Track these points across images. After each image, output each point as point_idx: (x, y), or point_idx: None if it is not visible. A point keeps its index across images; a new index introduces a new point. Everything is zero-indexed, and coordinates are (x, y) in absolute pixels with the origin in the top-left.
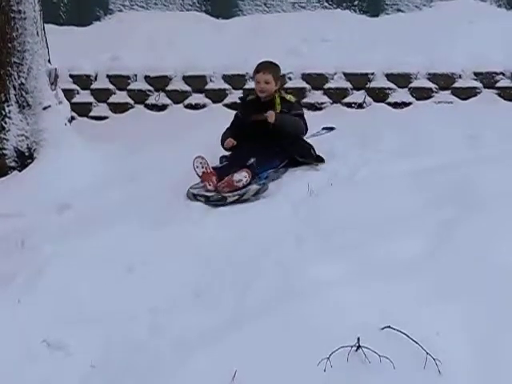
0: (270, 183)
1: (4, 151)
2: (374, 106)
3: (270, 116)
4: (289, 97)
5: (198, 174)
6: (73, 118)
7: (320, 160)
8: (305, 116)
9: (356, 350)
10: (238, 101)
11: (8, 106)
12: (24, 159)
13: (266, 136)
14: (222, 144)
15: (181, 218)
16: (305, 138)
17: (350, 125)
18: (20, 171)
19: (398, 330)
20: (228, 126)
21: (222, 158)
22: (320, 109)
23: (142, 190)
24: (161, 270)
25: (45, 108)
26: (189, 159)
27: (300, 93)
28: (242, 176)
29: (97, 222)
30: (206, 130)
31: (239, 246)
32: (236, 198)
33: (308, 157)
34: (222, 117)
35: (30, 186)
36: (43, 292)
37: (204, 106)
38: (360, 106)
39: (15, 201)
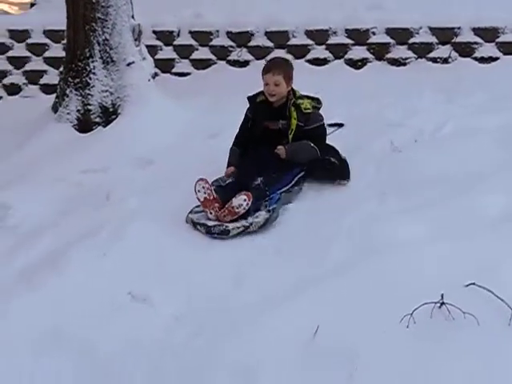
0: (281, 208)
1: (89, 107)
2: (460, 60)
3: (281, 152)
4: (304, 104)
5: (198, 199)
6: (156, 74)
7: (344, 174)
8: (324, 124)
9: (440, 307)
10: (247, 100)
11: (93, 61)
12: (108, 115)
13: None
14: (228, 162)
15: None
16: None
17: (435, 80)
18: (104, 127)
19: (482, 287)
20: (239, 128)
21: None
22: (404, 64)
23: (223, 145)
24: None
25: (129, 64)
26: None
27: (384, 48)
28: (241, 201)
29: (179, 177)
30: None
31: (321, 203)
32: (241, 230)
33: (330, 173)
34: (304, 73)
35: (115, 142)
36: (128, 245)
37: None
38: (445, 61)
39: (100, 156)
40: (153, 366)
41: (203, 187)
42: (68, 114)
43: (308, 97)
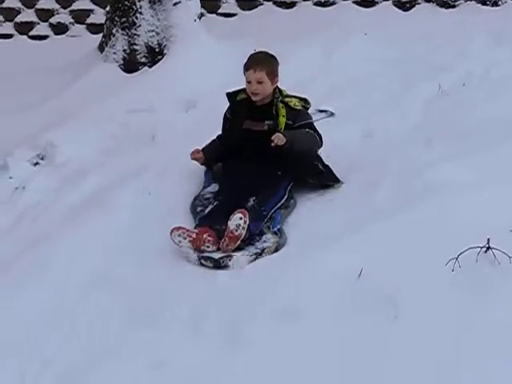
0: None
1: (135, 47)
2: (510, 3)
3: (278, 139)
4: (293, 102)
5: (188, 248)
6: (202, 15)
7: (335, 178)
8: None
9: (485, 251)
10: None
11: (139, 1)
12: (154, 55)
13: (265, 152)
14: (203, 148)
15: None
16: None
17: (484, 23)
18: (150, 67)
19: None
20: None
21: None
22: (453, 6)
23: None
24: None
25: (175, 4)
26: (315, 59)
27: None
28: (237, 220)
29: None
30: (336, 30)
31: (367, 147)
32: (253, 258)
33: (321, 179)
34: (351, 14)
35: (160, 83)
36: (172, 185)
37: (333, 3)
38: (495, 3)
39: (145, 96)
40: (196, 304)
41: (180, 235)
42: (114, 53)
43: (296, 96)
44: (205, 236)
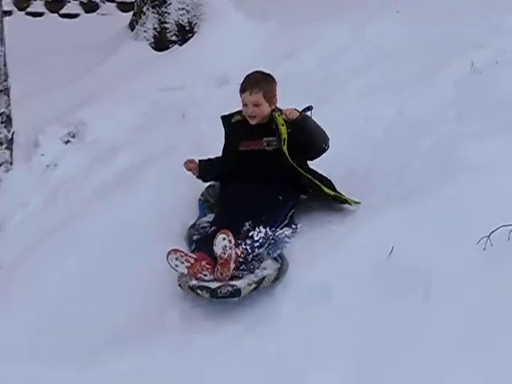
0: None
1: (165, 25)
2: None
3: (291, 112)
4: None
5: (183, 274)
6: None
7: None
8: None
9: None
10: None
11: None
12: (184, 33)
13: (265, 174)
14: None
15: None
16: None
17: None
18: (180, 45)
19: None
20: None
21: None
22: None
23: (297, 68)
24: None
25: None
26: (343, 37)
27: None
28: (221, 242)
29: None
30: (365, 7)
31: (398, 124)
32: (253, 287)
33: (339, 193)
34: None
35: (191, 61)
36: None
37: None
38: None
39: (176, 74)
40: None
41: (177, 258)
42: (145, 31)
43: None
44: (203, 263)
